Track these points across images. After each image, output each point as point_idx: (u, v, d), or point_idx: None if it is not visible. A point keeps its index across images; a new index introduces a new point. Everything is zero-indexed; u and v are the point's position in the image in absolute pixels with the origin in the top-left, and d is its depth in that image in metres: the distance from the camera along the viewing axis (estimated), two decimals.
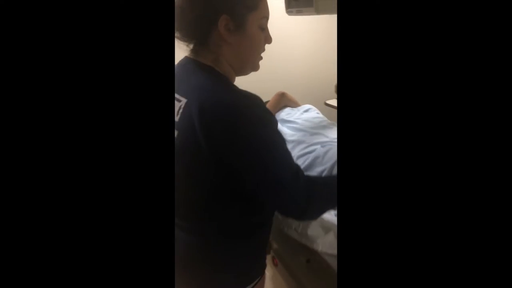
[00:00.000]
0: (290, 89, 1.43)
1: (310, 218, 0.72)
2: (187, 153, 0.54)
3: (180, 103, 0.55)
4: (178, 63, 0.63)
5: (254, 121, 0.52)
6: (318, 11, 0.83)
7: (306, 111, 1.30)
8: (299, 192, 0.55)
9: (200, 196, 0.59)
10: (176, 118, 0.55)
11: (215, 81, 0.57)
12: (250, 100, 0.54)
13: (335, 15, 0.48)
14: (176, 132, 0.55)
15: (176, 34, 0.59)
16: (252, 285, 0.68)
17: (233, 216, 0.61)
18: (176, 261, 0.52)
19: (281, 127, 1.21)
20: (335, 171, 0.83)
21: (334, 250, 0.77)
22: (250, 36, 0.58)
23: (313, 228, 0.82)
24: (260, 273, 0.70)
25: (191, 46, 0.60)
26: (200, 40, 0.58)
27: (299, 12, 0.90)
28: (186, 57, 0.62)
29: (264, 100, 0.63)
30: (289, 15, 0.97)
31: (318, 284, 0.82)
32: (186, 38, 0.59)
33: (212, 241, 0.63)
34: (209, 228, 0.62)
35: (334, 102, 1.60)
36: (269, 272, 1.04)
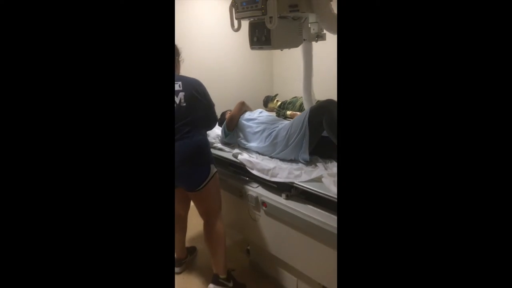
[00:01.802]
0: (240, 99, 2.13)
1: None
2: (193, 101, 1.44)
3: (178, 82, 1.44)
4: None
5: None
6: (274, 48, 1.43)
7: (261, 112, 1.88)
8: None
9: (197, 120, 1.47)
10: (180, 88, 1.43)
11: (187, 77, 1.51)
12: None
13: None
14: (183, 93, 1.42)
15: None
16: (214, 166, 1.53)
17: (204, 129, 1.54)
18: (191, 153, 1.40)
19: (248, 123, 1.76)
20: (284, 129, 1.60)
21: (301, 179, 1.35)
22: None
23: (288, 174, 1.38)
24: None
25: None
26: None
27: (260, 49, 1.49)
28: None
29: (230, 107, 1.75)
30: (252, 50, 1.55)
31: (294, 206, 1.36)
32: None
33: (200, 140, 1.47)
34: (199, 134, 1.48)
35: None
36: (259, 213, 1.53)
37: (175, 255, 1.83)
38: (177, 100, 1.42)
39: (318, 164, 1.49)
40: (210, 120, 1.58)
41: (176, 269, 1.82)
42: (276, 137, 1.59)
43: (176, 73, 1.53)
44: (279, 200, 1.41)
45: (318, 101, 2.13)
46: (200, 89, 1.49)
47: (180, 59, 1.57)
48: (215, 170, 1.51)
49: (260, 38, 1.44)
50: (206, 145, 1.51)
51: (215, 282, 1.54)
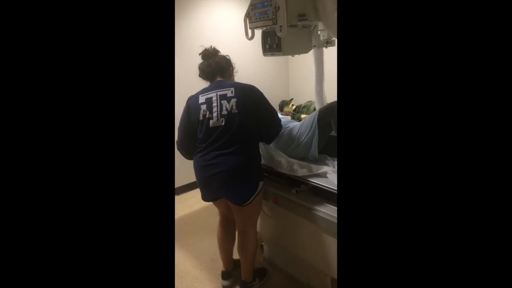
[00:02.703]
0: None
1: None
2: (247, 108, 1.41)
3: (231, 88, 1.43)
4: (216, 81, 1.54)
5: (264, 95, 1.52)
6: (285, 54, 1.55)
7: None
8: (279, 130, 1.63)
9: (250, 131, 1.43)
10: (232, 94, 1.41)
11: (241, 83, 1.51)
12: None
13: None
14: (235, 100, 1.39)
15: (216, 76, 1.53)
16: (263, 182, 1.51)
17: (257, 142, 1.52)
18: (233, 170, 1.38)
19: None
20: (295, 129, 1.70)
21: (305, 173, 1.45)
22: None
23: (296, 167, 1.48)
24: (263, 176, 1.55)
25: (219, 76, 1.54)
26: (225, 75, 1.54)
27: (272, 55, 1.61)
28: (217, 80, 1.53)
29: None
30: (265, 56, 1.68)
31: (303, 200, 1.46)
32: (218, 75, 1.54)
33: (253, 155, 1.46)
34: (252, 148, 1.46)
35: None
36: (271, 208, 1.64)
37: (223, 268, 1.78)
38: (228, 107, 1.38)
39: (326, 161, 1.58)
40: (270, 128, 1.54)
41: (224, 282, 1.77)
42: (287, 135, 1.70)
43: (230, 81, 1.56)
44: (289, 195, 1.51)
45: None
46: (255, 95, 1.45)
47: (234, 71, 1.62)
48: (262, 184, 1.49)
49: (272, 45, 1.57)
50: (256, 160, 1.48)
51: (244, 287, 1.66)
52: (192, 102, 1.47)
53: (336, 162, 1.58)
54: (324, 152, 1.67)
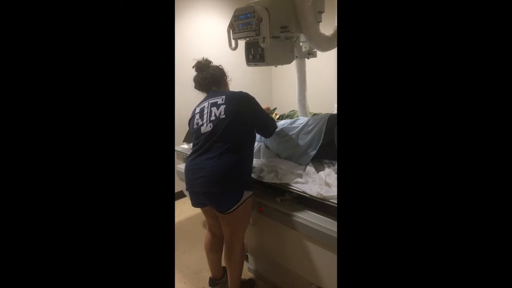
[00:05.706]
0: None
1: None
2: (235, 114, 1.45)
3: (222, 96, 1.50)
4: (211, 91, 1.61)
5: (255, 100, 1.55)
6: (268, 64, 1.58)
7: None
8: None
9: (238, 135, 1.45)
10: (222, 101, 1.48)
11: (233, 91, 1.60)
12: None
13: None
14: (224, 106, 1.46)
15: (212, 87, 1.61)
16: (251, 192, 1.50)
17: (248, 149, 1.51)
18: (227, 170, 1.39)
19: None
20: (301, 119, 1.74)
21: (291, 181, 1.45)
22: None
23: (287, 176, 1.49)
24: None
25: (215, 87, 1.62)
26: (220, 85, 1.61)
27: (255, 65, 1.63)
28: (212, 90, 1.61)
29: None
30: (248, 66, 1.69)
31: (288, 208, 1.46)
32: (213, 86, 1.62)
33: (240, 161, 1.44)
34: (240, 153, 1.44)
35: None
36: (256, 218, 1.63)
37: (211, 275, 1.79)
38: (217, 113, 1.45)
39: (308, 167, 1.60)
40: (264, 130, 1.60)
41: None
42: (291, 123, 1.71)
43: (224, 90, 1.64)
44: (274, 204, 1.51)
45: (311, 113, 2.27)
46: (244, 100, 1.51)
47: (228, 80, 1.69)
48: (249, 194, 1.48)
49: (255, 55, 1.59)
50: (242, 167, 1.46)
51: None
52: (191, 117, 1.59)
53: (320, 168, 1.61)
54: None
